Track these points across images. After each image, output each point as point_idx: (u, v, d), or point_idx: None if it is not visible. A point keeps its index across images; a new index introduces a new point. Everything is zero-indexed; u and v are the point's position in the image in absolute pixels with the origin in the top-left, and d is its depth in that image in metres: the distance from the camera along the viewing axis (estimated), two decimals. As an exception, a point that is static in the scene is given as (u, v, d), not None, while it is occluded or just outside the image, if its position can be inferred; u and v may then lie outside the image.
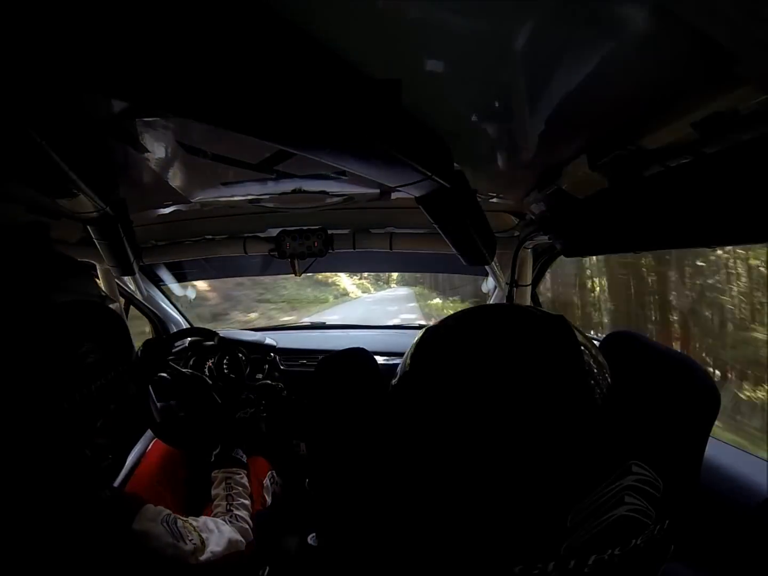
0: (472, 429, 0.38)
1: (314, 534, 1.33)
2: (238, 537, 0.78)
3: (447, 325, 0.47)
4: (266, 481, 1.22)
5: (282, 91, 0.43)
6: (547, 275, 1.52)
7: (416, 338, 0.47)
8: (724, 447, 0.89)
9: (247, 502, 0.91)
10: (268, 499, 1.19)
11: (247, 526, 0.83)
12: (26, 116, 0.52)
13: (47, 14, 0.33)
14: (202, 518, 0.73)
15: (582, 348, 0.41)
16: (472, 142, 0.73)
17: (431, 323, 0.48)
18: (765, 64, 0.35)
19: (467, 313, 0.47)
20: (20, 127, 0.52)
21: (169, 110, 0.53)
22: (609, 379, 0.41)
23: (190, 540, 0.64)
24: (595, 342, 0.45)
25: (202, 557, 0.65)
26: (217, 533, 0.72)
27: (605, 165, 0.66)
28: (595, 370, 0.40)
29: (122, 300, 1.62)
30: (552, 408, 0.37)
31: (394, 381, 0.46)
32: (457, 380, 0.40)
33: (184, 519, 0.68)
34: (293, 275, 1.51)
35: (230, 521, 0.81)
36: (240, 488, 0.94)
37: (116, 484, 1.26)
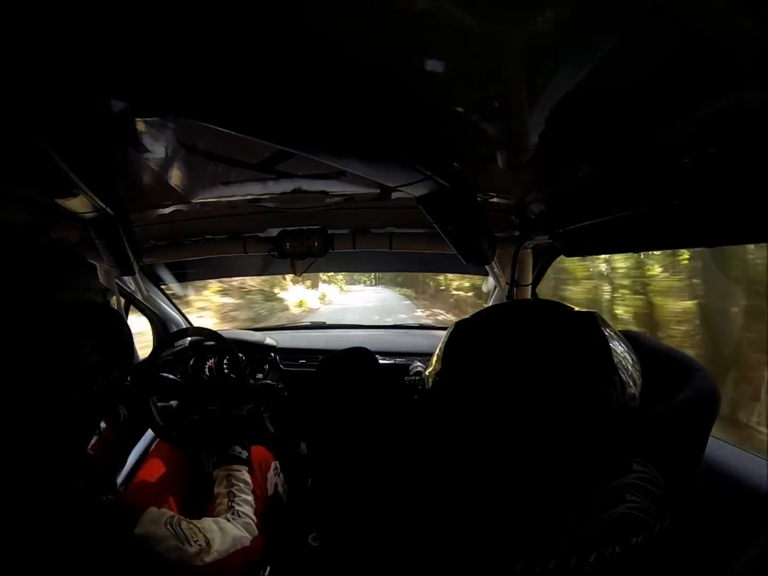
0: (476, 430, 0.38)
1: (314, 534, 1.34)
2: (242, 533, 0.77)
3: (478, 327, 0.45)
4: (270, 473, 1.22)
5: (282, 91, 0.43)
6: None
7: (447, 338, 0.45)
8: (724, 445, 0.89)
9: (249, 497, 0.90)
10: (270, 490, 1.19)
11: (250, 521, 0.83)
12: (27, 117, 0.52)
13: (48, 15, 0.33)
14: (206, 520, 0.73)
15: (611, 347, 0.40)
16: (472, 142, 0.73)
17: (460, 320, 0.47)
18: (765, 64, 0.36)
19: (496, 312, 0.46)
20: (21, 128, 0.52)
21: (170, 110, 0.53)
22: (640, 378, 0.40)
23: (195, 541, 0.64)
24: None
25: (208, 558, 0.65)
26: (220, 533, 0.71)
27: (605, 165, 0.67)
28: (628, 369, 0.39)
29: (122, 300, 1.62)
30: (558, 409, 0.37)
31: (426, 383, 0.45)
32: (464, 384, 0.40)
33: (188, 521, 0.67)
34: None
35: (232, 518, 0.81)
36: (241, 484, 0.93)
37: (119, 484, 1.26)
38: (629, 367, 0.40)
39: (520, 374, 0.38)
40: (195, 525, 0.68)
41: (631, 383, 0.39)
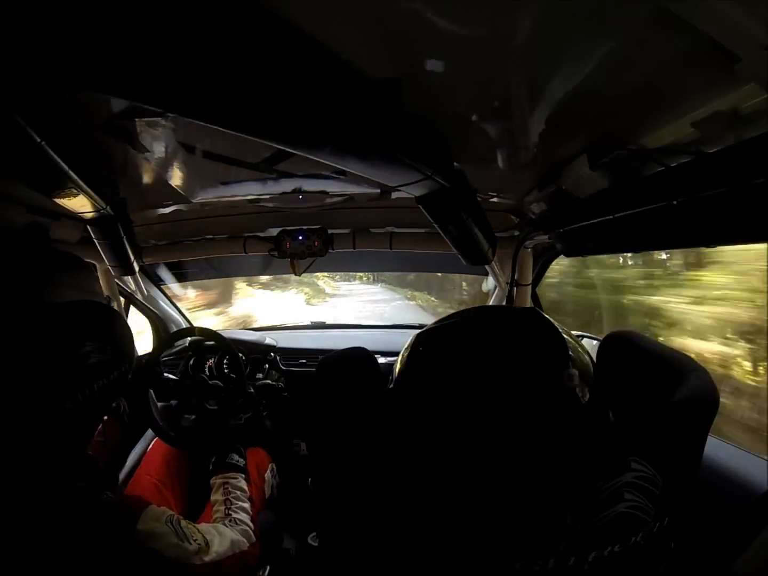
0: (472, 428, 0.38)
1: (314, 534, 1.34)
2: (240, 538, 0.78)
3: (437, 329, 0.47)
4: (267, 474, 1.22)
5: (282, 91, 0.43)
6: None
7: (408, 343, 0.47)
8: (724, 446, 0.89)
9: (246, 504, 0.91)
10: (268, 492, 1.19)
11: (248, 528, 0.84)
12: (26, 116, 0.52)
13: (49, 14, 0.33)
14: (203, 525, 0.74)
15: (565, 341, 0.42)
16: (472, 142, 0.73)
17: (425, 327, 0.49)
18: (765, 64, 0.36)
19: (459, 315, 0.48)
20: (20, 127, 0.52)
21: (170, 110, 0.53)
22: (591, 369, 0.42)
23: (195, 540, 0.64)
24: (595, 341, 0.45)
25: (207, 558, 0.65)
26: (219, 536, 0.72)
27: (605, 165, 0.67)
28: (578, 361, 0.41)
29: (122, 300, 1.62)
30: (547, 403, 0.37)
31: (390, 384, 0.46)
32: (455, 382, 0.40)
33: (187, 521, 0.68)
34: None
35: (229, 524, 0.82)
36: (238, 492, 0.94)
37: (119, 482, 1.26)
38: (577, 350, 0.42)
39: (496, 371, 0.39)
40: (194, 525, 0.68)
41: (578, 362, 0.41)
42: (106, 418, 1.05)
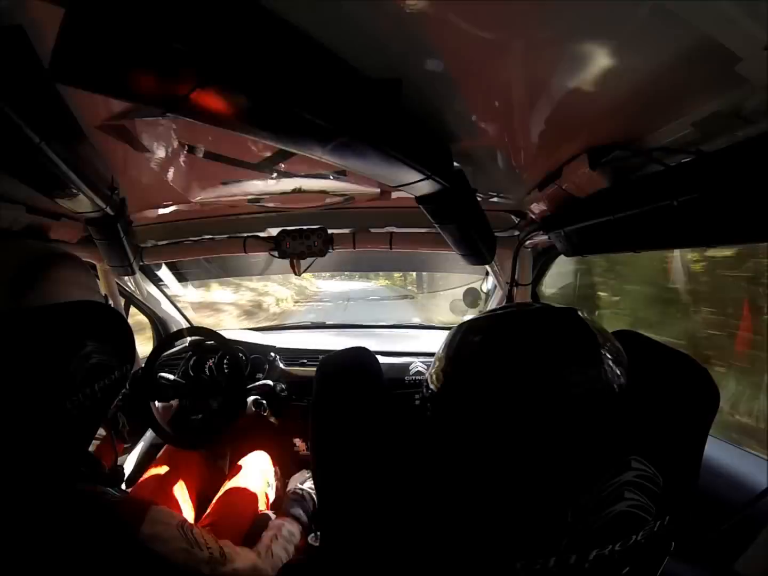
0: (477, 431, 0.38)
1: (314, 534, 1.34)
2: (265, 566, 0.73)
3: (484, 329, 0.45)
4: (272, 479, 1.22)
5: (282, 90, 0.43)
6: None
7: (450, 348, 0.44)
8: (724, 445, 0.89)
9: (290, 547, 0.89)
10: (271, 497, 1.19)
11: (279, 564, 0.80)
12: (25, 116, 0.52)
13: (47, 13, 0.33)
14: (227, 541, 0.69)
15: (599, 343, 0.40)
16: (472, 142, 0.73)
17: (461, 322, 0.46)
18: (765, 64, 0.36)
19: (496, 319, 0.45)
20: (19, 127, 0.52)
21: (170, 110, 0.53)
22: (625, 374, 0.40)
23: (207, 548, 0.60)
24: None
25: (224, 569, 0.60)
26: (241, 554, 0.68)
27: (605, 165, 0.67)
28: (612, 365, 0.39)
29: (122, 300, 1.62)
30: (556, 407, 0.37)
31: (430, 390, 0.44)
32: (469, 384, 0.40)
33: (201, 529, 0.63)
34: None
35: (265, 554, 0.79)
36: (287, 534, 0.92)
37: (123, 483, 1.26)
38: (617, 354, 0.40)
39: (524, 373, 0.38)
40: (210, 534, 0.64)
41: (620, 370, 0.39)
42: (105, 434, 1.03)
